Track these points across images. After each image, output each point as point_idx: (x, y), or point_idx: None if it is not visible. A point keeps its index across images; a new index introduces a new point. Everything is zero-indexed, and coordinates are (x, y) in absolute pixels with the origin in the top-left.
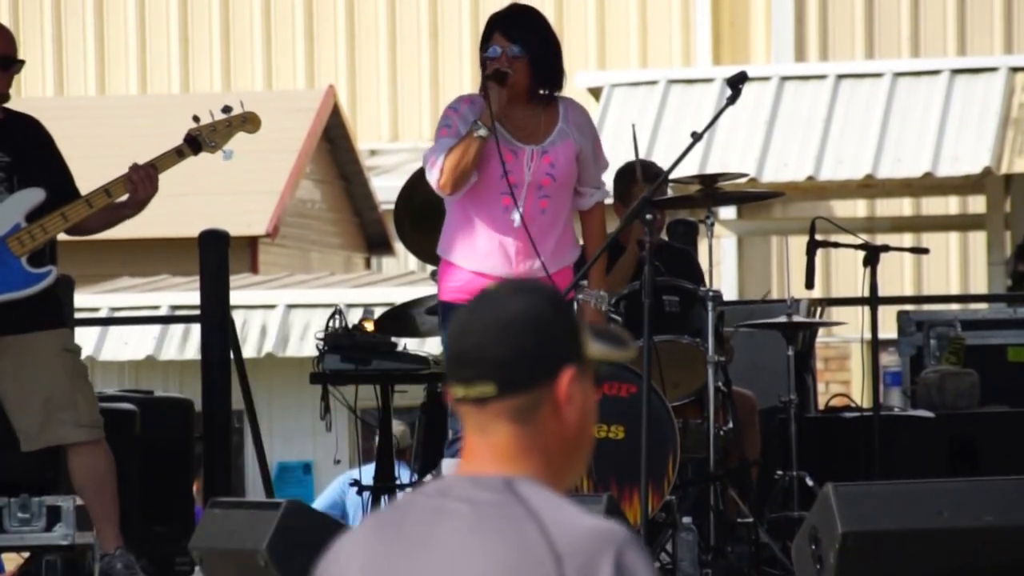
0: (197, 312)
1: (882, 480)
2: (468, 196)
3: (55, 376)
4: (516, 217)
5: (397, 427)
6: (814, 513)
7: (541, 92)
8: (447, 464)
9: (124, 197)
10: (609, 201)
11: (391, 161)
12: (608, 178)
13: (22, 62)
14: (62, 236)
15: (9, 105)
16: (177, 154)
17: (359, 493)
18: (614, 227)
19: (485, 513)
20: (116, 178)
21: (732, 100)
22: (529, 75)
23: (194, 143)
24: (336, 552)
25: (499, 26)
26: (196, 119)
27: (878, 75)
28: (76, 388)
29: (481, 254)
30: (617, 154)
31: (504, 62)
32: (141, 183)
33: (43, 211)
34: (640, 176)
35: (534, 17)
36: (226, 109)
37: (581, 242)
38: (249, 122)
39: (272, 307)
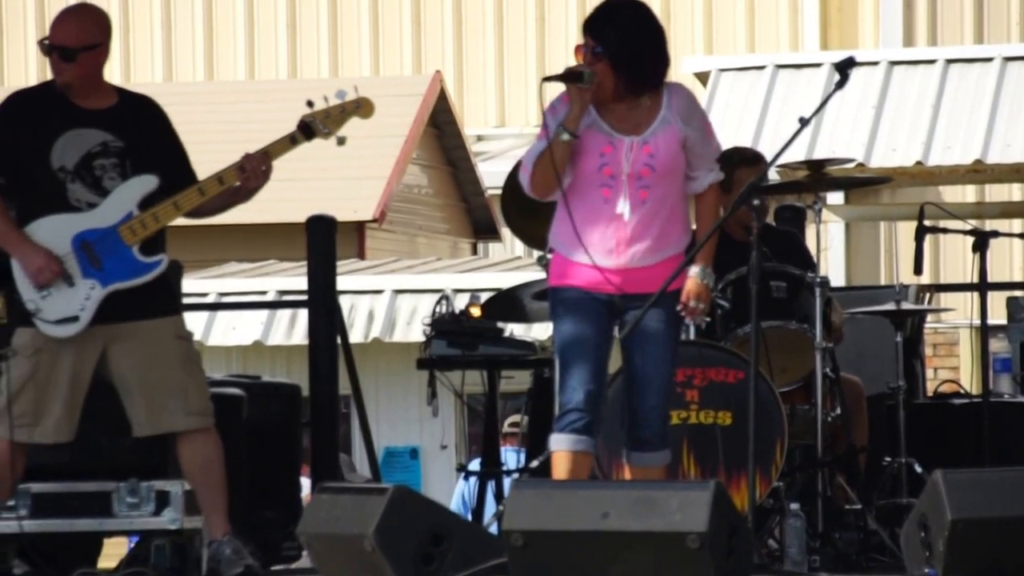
0: (305, 297)
1: (991, 467)
2: (570, 189)
3: (167, 363)
4: (614, 209)
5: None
6: (923, 500)
7: (636, 89)
8: (555, 439)
9: (236, 184)
10: None
11: (498, 147)
12: None
13: (96, 47)
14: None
15: (125, 86)
16: (290, 141)
17: (465, 479)
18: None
19: None
20: (229, 166)
21: (840, 85)
22: (612, 75)
23: (307, 129)
24: None
25: (588, 23)
26: (310, 104)
27: (987, 59)
28: (188, 375)
29: (591, 244)
30: (724, 139)
31: (586, 61)
32: (253, 172)
33: (156, 197)
34: (735, 163)
35: (623, 13)
36: (340, 94)
37: (694, 226)
38: (363, 107)
39: (379, 292)
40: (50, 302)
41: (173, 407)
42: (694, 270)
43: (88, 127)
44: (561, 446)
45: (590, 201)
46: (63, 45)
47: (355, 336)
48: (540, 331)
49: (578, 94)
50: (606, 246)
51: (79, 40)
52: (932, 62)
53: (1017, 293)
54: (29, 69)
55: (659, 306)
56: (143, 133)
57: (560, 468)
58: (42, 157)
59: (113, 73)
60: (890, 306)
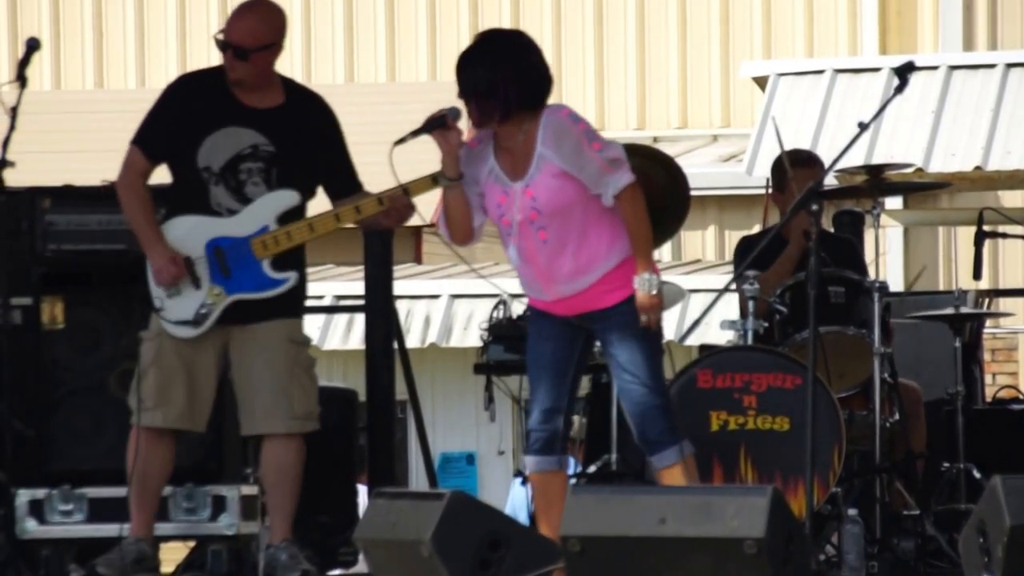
0: (361, 302)
1: None
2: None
3: (274, 366)
4: (516, 255)
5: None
6: (982, 506)
7: (514, 117)
8: (526, 462)
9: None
10: (743, 192)
11: None
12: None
13: (271, 46)
14: None
15: (300, 81)
16: (432, 180)
17: (523, 484)
18: (755, 212)
19: None
20: (368, 199)
21: (899, 90)
22: (475, 107)
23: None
24: None
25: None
26: None
27: None
28: (292, 379)
29: (525, 284)
30: (783, 144)
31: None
32: (396, 212)
33: (297, 212)
34: (788, 164)
35: (477, 54)
36: None
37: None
38: None
39: (436, 297)
40: (175, 302)
41: (274, 410)
42: (635, 282)
43: (243, 126)
44: (529, 469)
45: (507, 247)
46: (239, 44)
47: (412, 341)
48: None
49: (443, 137)
50: (536, 284)
51: (256, 40)
52: (992, 66)
53: None
54: (87, 76)
55: (613, 317)
56: (300, 140)
57: (535, 491)
58: (190, 154)
59: (295, 74)
60: (949, 311)
